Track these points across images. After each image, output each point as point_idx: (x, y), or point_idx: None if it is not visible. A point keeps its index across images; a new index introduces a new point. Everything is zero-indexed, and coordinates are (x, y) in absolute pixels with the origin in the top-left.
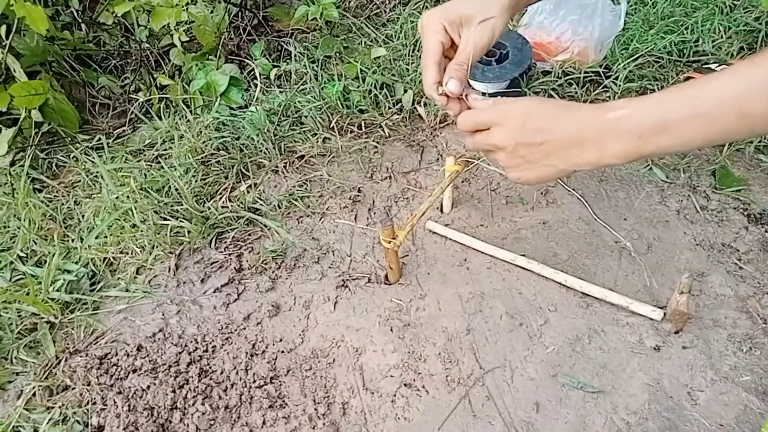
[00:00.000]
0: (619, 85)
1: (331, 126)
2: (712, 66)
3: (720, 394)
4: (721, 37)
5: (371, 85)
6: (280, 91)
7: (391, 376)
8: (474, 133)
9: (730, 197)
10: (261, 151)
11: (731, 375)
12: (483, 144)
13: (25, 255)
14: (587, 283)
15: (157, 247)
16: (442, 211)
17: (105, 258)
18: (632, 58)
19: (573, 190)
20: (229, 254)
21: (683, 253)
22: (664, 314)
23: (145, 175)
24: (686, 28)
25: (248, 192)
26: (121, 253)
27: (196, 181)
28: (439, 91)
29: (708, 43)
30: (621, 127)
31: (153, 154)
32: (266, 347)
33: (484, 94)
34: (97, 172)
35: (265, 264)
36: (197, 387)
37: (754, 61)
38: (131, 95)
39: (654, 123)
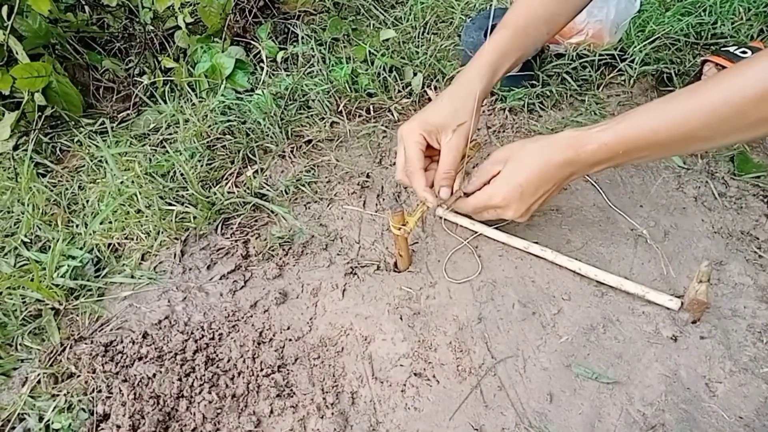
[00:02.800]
0: (635, 69)
1: (339, 110)
2: (731, 49)
3: (739, 385)
4: (741, 19)
5: (380, 68)
6: (287, 75)
7: (401, 365)
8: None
9: (749, 184)
10: (267, 135)
11: (750, 366)
12: (498, 217)
13: (29, 240)
14: (602, 272)
15: (162, 232)
16: None
17: (110, 244)
18: (648, 41)
19: (587, 176)
20: (236, 240)
21: (701, 241)
22: (681, 303)
23: (150, 159)
24: (704, 10)
25: (255, 177)
26: (126, 238)
27: (201, 165)
28: (435, 194)
29: (727, 25)
30: (596, 158)
31: (158, 139)
32: (273, 335)
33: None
34: (102, 157)
35: (272, 251)
36: (204, 375)
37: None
38: (135, 78)
39: (622, 152)
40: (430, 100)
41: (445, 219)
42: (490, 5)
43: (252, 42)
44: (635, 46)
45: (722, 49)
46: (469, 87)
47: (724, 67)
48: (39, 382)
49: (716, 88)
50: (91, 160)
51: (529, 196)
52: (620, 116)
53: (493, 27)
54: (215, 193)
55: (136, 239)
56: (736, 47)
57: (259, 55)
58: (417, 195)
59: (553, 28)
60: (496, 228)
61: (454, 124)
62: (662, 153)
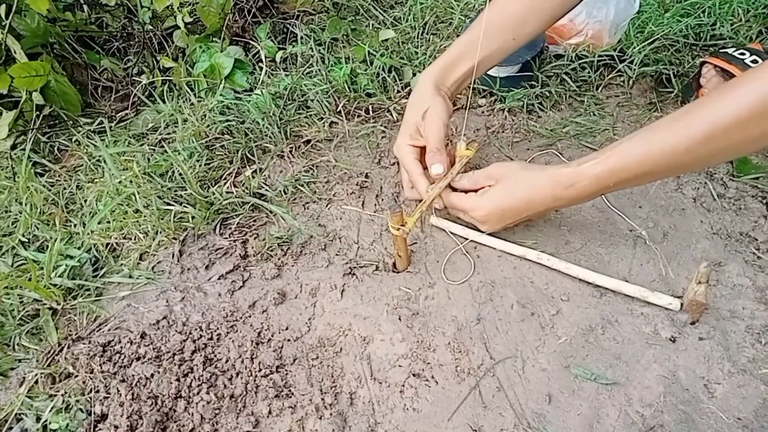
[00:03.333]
0: (634, 70)
1: (338, 110)
2: (730, 50)
3: (738, 386)
4: (740, 20)
5: (379, 68)
6: (286, 74)
7: (400, 365)
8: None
9: (748, 185)
10: (266, 135)
11: (749, 367)
12: (471, 222)
13: (26, 240)
14: (602, 276)
15: (160, 232)
16: None
17: (108, 243)
18: (647, 42)
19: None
20: (234, 240)
21: (700, 242)
22: (681, 305)
23: (149, 159)
24: (703, 11)
25: (253, 177)
26: (124, 238)
27: (200, 165)
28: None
29: (726, 26)
30: (587, 192)
31: (156, 138)
32: (272, 335)
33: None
34: (100, 156)
35: (271, 251)
36: (202, 375)
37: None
38: (134, 78)
39: (612, 184)
40: None
41: (439, 228)
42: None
43: (251, 42)
44: (634, 47)
45: (721, 50)
46: (424, 81)
47: (722, 69)
48: (36, 382)
49: (698, 115)
50: (90, 160)
51: (507, 219)
52: (608, 149)
53: None
54: (214, 193)
55: (135, 239)
56: (734, 49)
57: (258, 55)
58: (423, 197)
59: (520, 36)
60: (491, 235)
61: (423, 113)
62: (651, 180)
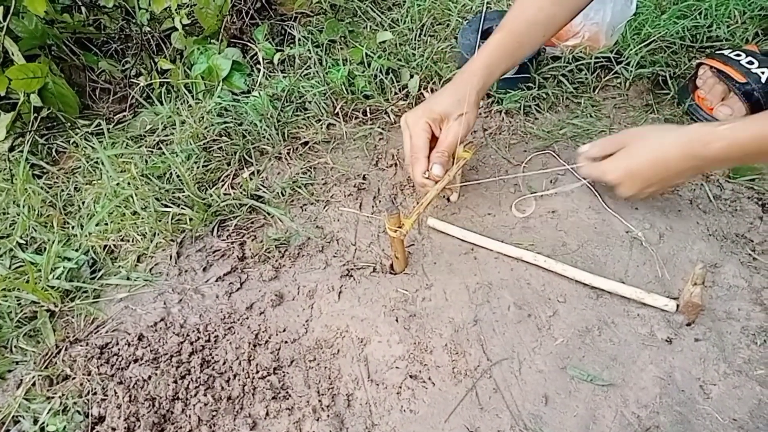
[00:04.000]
0: (631, 71)
1: (335, 112)
2: (726, 52)
3: (733, 387)
4: (736, 22)
5: (377, 70)
6: (284, 76)
7: (397, 367)
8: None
9: (743, 186)
10: (264, 137)
11: (745, 368)
12: (611, 178)
13: (24, 242)
14: (598, 278)
15: (158, 234)
16: (449, 200)
17: (105, 245)
18: (644, 44)
19: (583, 178)
20: (232, 242)
21: (696, 243)
22: (677, 306)
23: (146, 161)
24: (699, 13)
25: (251, 179)
26: (121, 240)
27: (197, 167)
28: (426, 176)
29: (722, 28)
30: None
31: (154, 140)
32: (269, 337)
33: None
34: (98, 158)
35: (269, 252)
36: (199, 377)
37: None
38: (132, 80)
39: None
40: None
41: (436, 229)
42: (486, 7)
43: (249, 44)
44: (631, 49)
45: (717, 52)
46: (470, 82)
47: (719, 70)
48: (34, 384)
49: None
50: (87, 162)
51: (640, 182)
52: (750, 118)
53: (486, 29)
54: (211, 195)
55: (132, 241)
56: (731, 50)
57: (255, 57)
58: (414, 181)
59: (550, 31)
60: (489, 237)
61: (456, 113)
62: None
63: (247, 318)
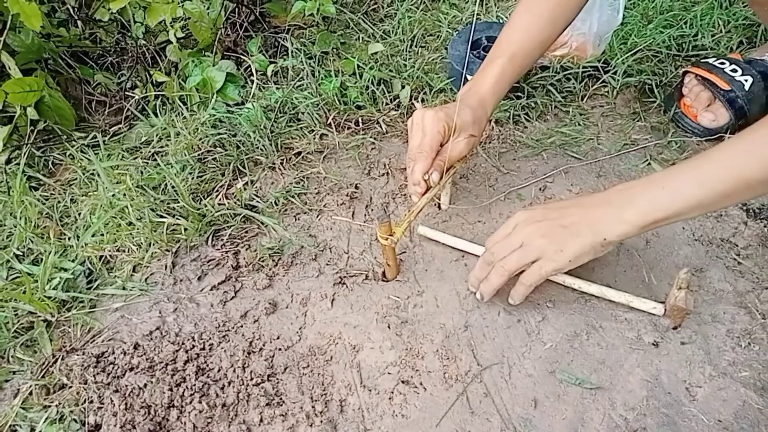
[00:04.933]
0: (618, 80)
1: (328, 122)
2: (711, 60)
3: (718, 389)
4: (720, 31)
5: (368, 81)
6: (277, 88)
7: (389, 373)
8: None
9: None
10: (258, 147)
11: (730, 371)
12: (516, 240)
13: (21, 253)
14: (586, 282)
15: (153, 244)
16: (439, 207)
17: (101, 256)
18: (631, 53)
19: (571, 185)
20: (226, 252)
21: (681, 248)
22: (665, 310)
23: (142, 172)
24: (685, 23)
25: (245, 189)
26: (117, 250)
27: (192, 178)
28: (425, 177)
29: (707, 37)
30: (636, 198)
31: (149, 152)
32: (263, 345)
33: None
34: (94, 170)
35: (262, 261)
36: (194, 385)
37: (750, 132)
38: (127, 92)
39: (666, 193)
40: None
41: (427, 237)
42: (475, 18)
43: (242, 56)
44: (618, 59)
45: (702, 60)
46: (484, 109)
47: (704, 78)
48: (31, 393)
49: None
50: (83, 174)
51: (552, 208)
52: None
53: (476, 40)
54: (206, 205)
55: (128, 251)
56: (715, 59)
57: (249, 69)
58: (411, 180)
59: (545, 50)
60: (479, 244)
61: (468, 132)
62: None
63: (242, 326)
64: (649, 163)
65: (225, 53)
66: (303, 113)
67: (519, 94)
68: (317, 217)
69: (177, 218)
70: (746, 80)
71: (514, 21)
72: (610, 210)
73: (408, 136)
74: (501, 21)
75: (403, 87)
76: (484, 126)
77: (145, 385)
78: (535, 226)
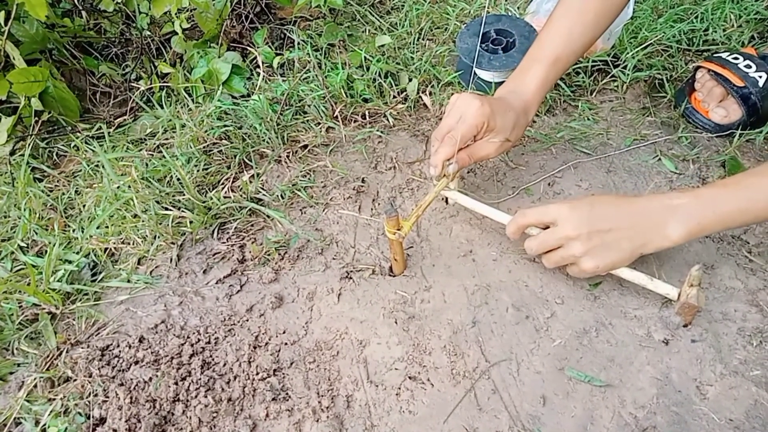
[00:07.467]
0: (628, 75)
1: (334, 115)
2: (723, 55)
3: (729, 388)
4: (732, 25)
5: (375, 73)
6: (283, 80)
7: (396, 368)
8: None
9: None
10: (264, 140)
11: (741, 369)
12: (554, 239)
13: (25, 245)
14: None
15: (158, 237)
16: (446, 202)
17: (106, 248)
18: (641, 47)
19: (580, 181)
20: (232, 245)
21: (692, 245)
22: (678, 294)
23: (147, 164)
24: (696, 17)
25: (251, 182)
26: (122, 243)
27: (198, 170)
28: (449, 163)
29: (718, 31)
30: (681, 215)
31: (154, 144)
32: (269, 339)
33: (490, 82)
34: (98, 162)
35: (268, 255)
36: (200, 379)
37: None
38: (132, 83)
39: (712, 213)
40: (425, 106)
41: (454, 201)
42: (485, 11)
43: (248, 47)
44: (628, 53)
45: (715, 55)
46: (527, 116)
47: (717, 73)
48: (35, 386)
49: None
50: (88, 165)
51: (595, 220)
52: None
53: (485, 33)
54: (211, 198)
55: (133, 244)
56: (728, 53)
57: (255, 61)
58: (432, 158)
59: (585, 52)
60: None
61: (503, 135)
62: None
63: (247, 320)
64: (659, 159)
65: (230, 45)
66: (309, 106)
67: None
68: (323, 210)
69: (182, 211)
70: (761, 76)
71: (557, 22)
72: (653, 226)
73: (444, 113)
74: (510, 14)
75: (410, 80)
76: (522, 133)
77: (150, 379)
78: (577, 238)
